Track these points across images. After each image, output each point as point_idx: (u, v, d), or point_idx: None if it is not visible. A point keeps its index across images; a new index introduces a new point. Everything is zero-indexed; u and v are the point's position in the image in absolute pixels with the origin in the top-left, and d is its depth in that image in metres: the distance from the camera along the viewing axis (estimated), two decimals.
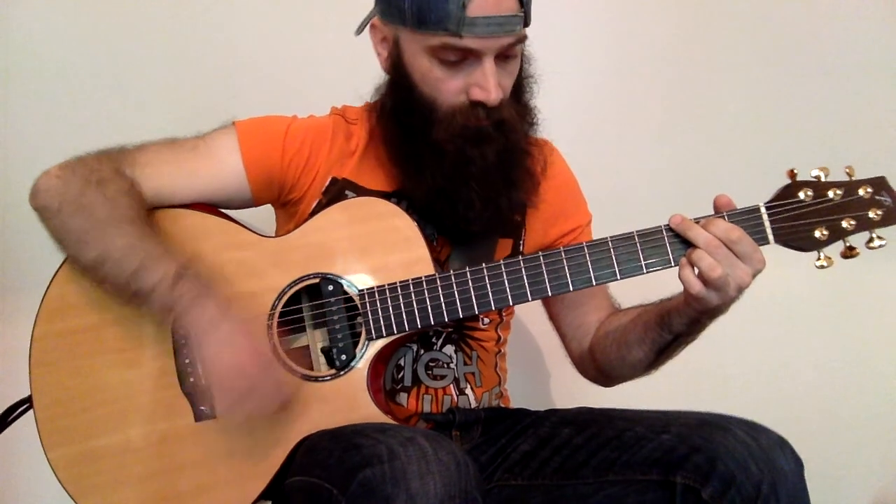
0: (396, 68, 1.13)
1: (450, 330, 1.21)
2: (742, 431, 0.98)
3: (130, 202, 1.10)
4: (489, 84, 1.06)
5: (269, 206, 1.25)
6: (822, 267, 1.03)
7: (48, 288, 1.14)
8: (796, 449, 0.98)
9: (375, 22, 1.15)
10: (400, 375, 1.18)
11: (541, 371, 1.80)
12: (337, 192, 1.19)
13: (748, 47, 1.78)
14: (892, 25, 1.75)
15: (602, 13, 1.80)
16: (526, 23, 1.09)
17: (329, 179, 1.19)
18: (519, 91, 1.15)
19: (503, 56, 1.08)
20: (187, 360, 1.11)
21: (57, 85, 1.70)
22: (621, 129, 1.79)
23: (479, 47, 1.05)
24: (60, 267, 1.15)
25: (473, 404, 1.21)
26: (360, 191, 1.19)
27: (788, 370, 1.78)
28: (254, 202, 1.20)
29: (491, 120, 1.08)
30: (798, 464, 0.97)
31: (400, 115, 1.14)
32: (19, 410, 1.19)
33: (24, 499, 1.69)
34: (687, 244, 1.03)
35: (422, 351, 1.19)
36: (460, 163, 1.10)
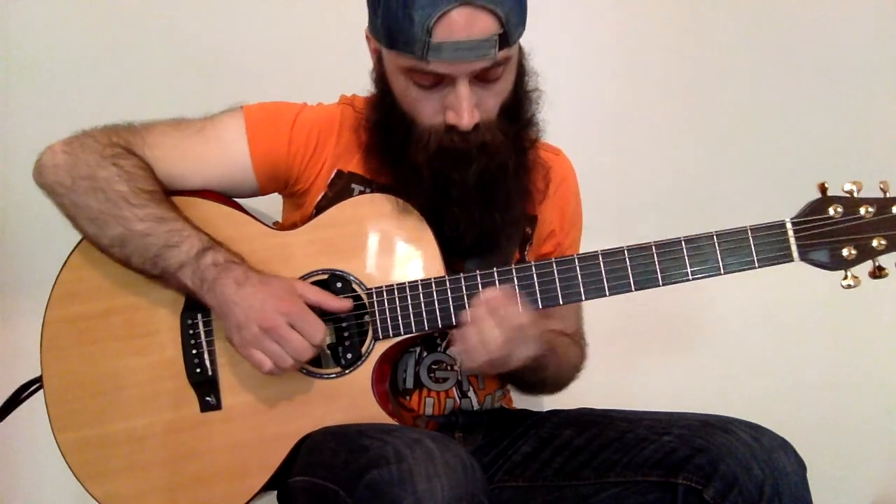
0: (381, 82, 1.11)
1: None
2: (744, 433, 0.99)
3: (147, 176, 1.10)
4: (462, 109, 1.02)
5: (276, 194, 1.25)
6: (848, 287, 1.00)
7: (60, 272, 1.15)
8: (798, 451, 0.98)
9: (367, 32, 1.11)
10: (402, 378, 1.18)
11: None
12: (343, 185, 1.18)
13: (761, 50, 1.78)
14: None
15: (609, 16, 1.80)
16: (508, 43, 1.01)
17: (335, 172, 1.18)
18: (516, 108, 1.10)
19: (483, 78, 1.03)
20: (194, 352, 1.12)
21: (57, 85, 1.70)
22: (628, 134, 1.79)
23: (448, 72, 1.00)
24: (73, 251, 1.15)
25: (476, 407, 1.21)
26: (367, 183, 1.17)
27: (790, 372, 1.79)
28: (260, 191, 1.20)
29: (470, 143, 1.05)
30: (800, 465, 0.97)
31: (383, 129, 1.12)
32: (31, 389, 1.20)
33: (29, 479, 1.69)
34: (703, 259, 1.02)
35: (424, 353, 1.19)
36: (439, 184, 1.07)
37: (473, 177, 1.06)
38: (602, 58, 1.80)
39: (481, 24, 0.97)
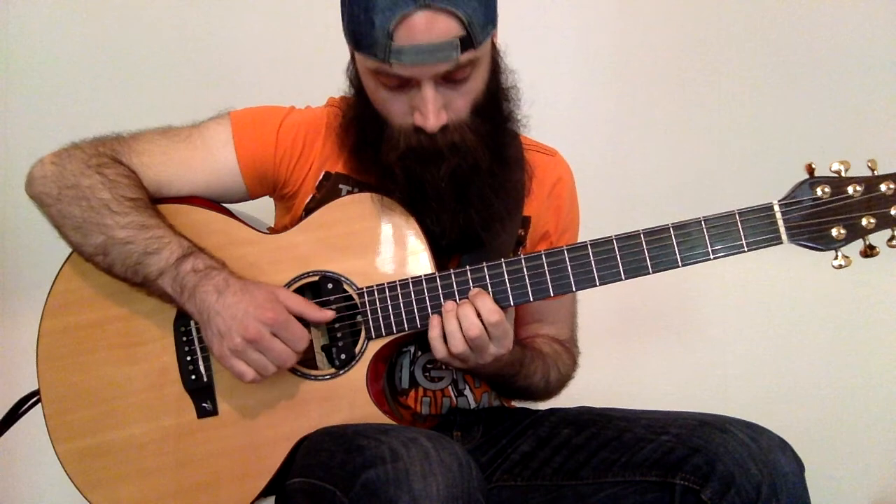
0: (356, 81, 1.11)
1: None
2: (742, 432, 0.98)
3: (131, 184, 1.10)
4: (427, 111, 1.02)
5: (268, 197, 1.25)
6: (839, 266, 0.99)
7: (53, 284, 1.15)
8: (797, 450, 0.98)
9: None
10: (398, 377, 1.18)
11: None
12: (331, 187, 1.17)
13: (754, 44, 1.78)
14: None
15: (605, 12, 1.80)
16: (472, 45, 0.99)
17: (322, 174, 1.18)
18: (490, 106, 1.09)
19: (450, 79, 1.02)
20: (188, 359, 1.12)
21: (57, 86, 1.71)
22: (625, 128, 1.79)
23: (410, 75, 1.00)
24: (65, 262, 1.15)
25: (473, 405, 1.21)
26: (354, 183, 1.17)
27: (789, 371, 1.79)
28: (250, 196, 1.20)
29: (439, 144, 1.04)
30: (799, 465, 0.97)
31: (359, 127, 1.12)
32: (30, 402, 1.20)
33: (29, 492, 1.70)
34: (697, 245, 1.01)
35: (419, 353, 1.19)
36: (414, 183, 1.07)
37: (445, 176, 1.05)
38: (599, 58, 1.80)
39: (442, 27, 0.97)
